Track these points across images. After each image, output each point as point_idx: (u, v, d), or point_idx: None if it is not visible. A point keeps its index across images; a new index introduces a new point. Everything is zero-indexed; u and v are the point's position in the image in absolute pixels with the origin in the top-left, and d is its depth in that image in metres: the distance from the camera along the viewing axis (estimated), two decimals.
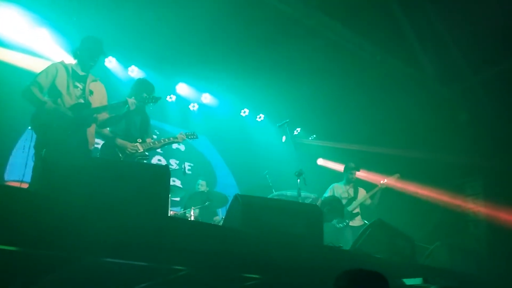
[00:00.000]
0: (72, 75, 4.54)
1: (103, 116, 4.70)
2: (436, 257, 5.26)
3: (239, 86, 8.33)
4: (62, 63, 4.58)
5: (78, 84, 4.56)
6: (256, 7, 6.34)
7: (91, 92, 4.61)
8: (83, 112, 4.46)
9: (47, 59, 6.35)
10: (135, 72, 7.57)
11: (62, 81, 4.44)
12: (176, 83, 8.28)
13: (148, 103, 4.96)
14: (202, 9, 6.28)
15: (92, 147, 4.68)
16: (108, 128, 4.93)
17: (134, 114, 5.05)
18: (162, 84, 7.71)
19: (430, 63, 7.57)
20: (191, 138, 5.52)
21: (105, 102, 4.75)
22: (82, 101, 4.52)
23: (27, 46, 6.38)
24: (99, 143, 5.24)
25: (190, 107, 8.63)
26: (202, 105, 8.69)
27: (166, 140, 5.26)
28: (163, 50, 7.29)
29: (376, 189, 6.98)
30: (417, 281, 3.87)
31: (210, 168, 9.05)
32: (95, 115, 4.58)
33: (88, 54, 4.59)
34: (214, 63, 7.50)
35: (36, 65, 5.99)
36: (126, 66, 7.54)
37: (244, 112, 9.13)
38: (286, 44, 7.04)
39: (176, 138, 5.32)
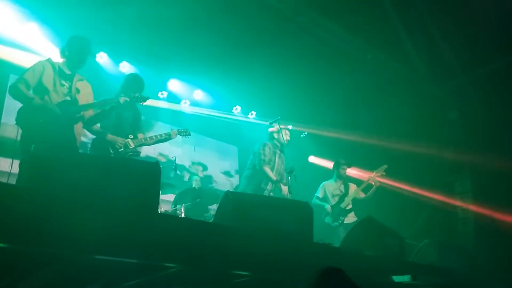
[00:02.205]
0: (59, 73, 4.50)
1: (89, 113, 4.68)
2: (425, 255, 5.29)
3: (231, 83, 8.33)
4: (49, 60, 4.54)
5: (64, 83, 4.52)
6: (248, 3, 6.33)
7: (77, 91, 4.58)
8: (70, 109, 4.44)
9: (36, 54, 6.30)
10: (126, 67, 7.53)
11: (48, 79, 4.41)
12: (168, 80, 8.25)
13: (137, 101, 4.93)
14: (194, 6, 6.27)
15: (79, 145, 4.66)
16: (98, 124, 4.90)
17: (126, 110, 5.02)
18: (154, 80, 7.69)
19: (421, 62, 7.61)
20: (183, 135, 5.50)
21: (91, 101, 4.73)
22: (69, 98, 4.49)
23: (16, 41, 6.33)
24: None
25: (182, 103, 8.61)
26: (193, 102, 8.67)
27: (158, 136, 5.22)
28: (154, 46, 7.27)
29: (366, 182, 6.96)
30: (406, 278, 3.91)
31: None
32: (82, 112, 4.57)
33: (76, 54, 4.54)
34: (205, 60, 7.49)
35: (25, 60, 5.95)
36: (117, 61, 7.49)
37: (236, 109, 9.14)
38: (278, 41, 7.04)
39: (169, 134, 5.29)
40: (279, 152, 6.24)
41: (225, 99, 8.91)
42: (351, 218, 6.83)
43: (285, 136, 6.41)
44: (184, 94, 8.53)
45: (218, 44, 7.14)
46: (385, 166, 7.06)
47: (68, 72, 4.58)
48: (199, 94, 8.62)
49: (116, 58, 7.47)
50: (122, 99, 4.68)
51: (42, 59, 4.60)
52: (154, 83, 7.85)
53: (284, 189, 6.13)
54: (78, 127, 4.60)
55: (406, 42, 7.27)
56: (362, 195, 6.98)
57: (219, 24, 6.73)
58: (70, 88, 4.54)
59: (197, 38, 7.00)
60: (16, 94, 4.31)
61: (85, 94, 4.68)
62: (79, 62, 4.59)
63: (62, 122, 4.34)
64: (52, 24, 6.45)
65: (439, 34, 7.23)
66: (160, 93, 8.20)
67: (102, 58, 7.31)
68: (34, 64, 4.46)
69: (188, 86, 8.49)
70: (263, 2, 6.29)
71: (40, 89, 4.37)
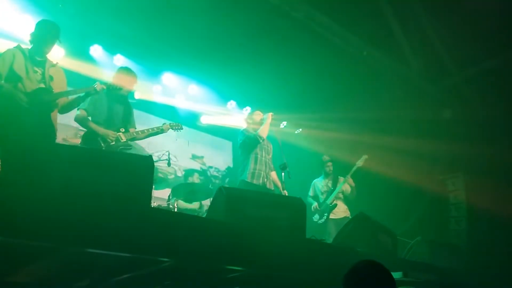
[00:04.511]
0: (30, 59, 4.42)
1: (64, 100, 4.63)
2: (417, 252, 5.32)
3: (226, 78, 8.30)
4: (18, 47, 4.45)
5: (37, 69, 4.44)
6: None
7: (51, 78, 4.51)
8: (45, 97, 4.38)
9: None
10: (121, 61, 7.47)
11: (20, 66, 4.32)
12: (162, 73, 8.21)
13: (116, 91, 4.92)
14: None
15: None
16: (90, 117, 4.86)
17: (117, 104, 5.00)
18: (148, 74, 7.64)
19: (416, 59, 7.63)
20: (176, 129, 5.46)
21: (65, 87, 4.67)
22: (43, 85, 4.42)
23: (10, 33, 6.25)
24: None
25: (176, 97, 8.55)
26: (188, 96, 8.62)
27: (150, 130, 5.18)
28: (149, 40, 7.22)
29: (345, 181, 6.99)
30: (397, 275, 3.91)
31: None
32: (57, 100, 4.52)
33: (43, 39, 4.46)
34: (201, 54, 7.46)
35: None
36: (112, 54, 7.44)
37: (231, 104, 9.11)
38: (273, 36, 7.03)
39: (161, 128, 5.25)
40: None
41: (219, 94, 8.88)
42: (339, 213, 6.84)
43: (258, 117, 6.43)
44: (178, 88, 8.48)
45: (213, 39, 7.11)
46: (365, 157, 7.10)
47: (39, 58, 4.49)
48: (193, 89, 8.57)
49: (111, 51, 7.41)
50: (98, 86, 4.63)
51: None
52: (149, 77, 7.81)
53: (273, 174, 6.24)
54: (55, 114, 4.57)
55: (401, 39, 7.28)
56: (348, 190, 6.98)
57: (214, 19, 6.69)
58: (43, 74, 4.46)
59: (192, 33, 6.96)
60: None
61: (59, 80, 4.62)
62: (47, 47, 4.50)
63: (39, 109, 4.29)
64: (46, 16, 6.35)
65: (434, 32, 7.24)
66: (154, 87, 8.15)
67: (97, 51, 7.25)
68: (3, 53, 4.36)
69: (182, 80, 8.44)
70: None
71: (13, 77, 4.27)
